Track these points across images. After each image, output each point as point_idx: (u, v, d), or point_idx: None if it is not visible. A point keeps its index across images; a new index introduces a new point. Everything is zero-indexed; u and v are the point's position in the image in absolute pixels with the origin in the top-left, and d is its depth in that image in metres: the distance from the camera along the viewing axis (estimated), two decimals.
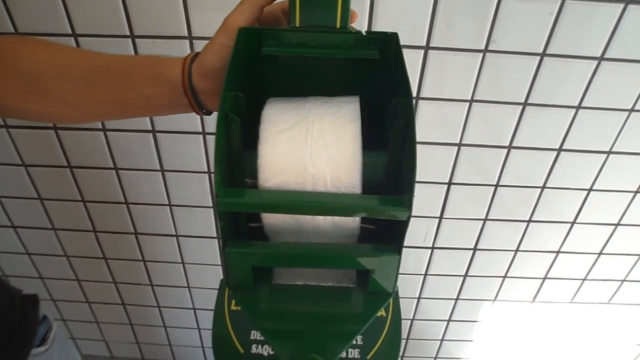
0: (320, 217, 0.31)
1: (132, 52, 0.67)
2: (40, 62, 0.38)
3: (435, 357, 1.17)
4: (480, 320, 1.06)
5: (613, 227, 0.88)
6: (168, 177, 0.82)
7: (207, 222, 0.88)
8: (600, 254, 0.92)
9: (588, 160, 0.78)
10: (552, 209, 0.84)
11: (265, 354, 0.36)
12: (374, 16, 0.63)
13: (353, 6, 0.35)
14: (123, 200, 0.86)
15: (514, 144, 0.76)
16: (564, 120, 0.73)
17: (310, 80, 0.37)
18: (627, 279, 0.97)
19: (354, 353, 0.36)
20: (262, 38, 0.35)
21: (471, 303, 1.02)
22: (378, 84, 0.37)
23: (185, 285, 1.02)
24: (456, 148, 0.76)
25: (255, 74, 0.37)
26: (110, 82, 0.38)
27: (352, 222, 0.32)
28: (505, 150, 0.77)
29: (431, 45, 0.65)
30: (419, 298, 1.01)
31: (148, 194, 0.85)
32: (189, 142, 0.77)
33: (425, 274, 0.97)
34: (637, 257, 0.93)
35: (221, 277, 0.34)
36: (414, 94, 0.70)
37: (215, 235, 0.90)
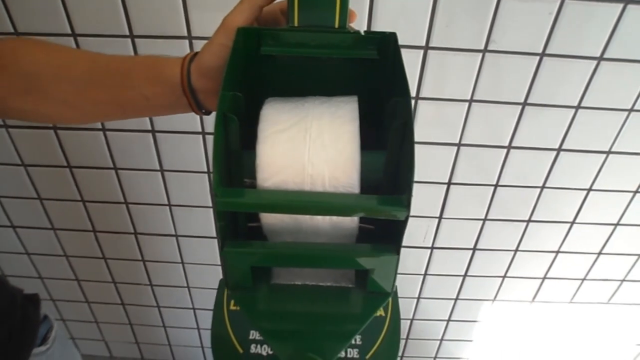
0: (319, 217, 0.31)
1: (132, 52, 0.67)
2: (39, 63, 0.38)
3: (435, 357, 1.17)
4: (479, 320, 1.06)
5: (612, 227, 0.88)
6: (168, 177, 0.82)
7: (206, 222, 0.88)
8: (599, 253, 0.92)
9: (587, 160, 0.78)
10: (552, 209, 0.84)
11: (264, 353, 0.36)
12: (374, 16, 0.63)
13: (352, 6, 0.35)
14: (123, 200, 0.86)
15: (513, 144, 0.76)
16: (563, 120, 0.73)
17: (308, 80, 0.37)
18: (626, 278, 0.97)
19: (353, 353, 0.36)
20: (260, 38, 0.35)
21: (471, 303, 1.02)
22: (376, 84, 0.37)
23: (185, 285, 1.02)
24: (456, 148, 0.76)
25: (254, 73, 0.37)
26: (109, 83, 0.38)
27: (350, 222, 0.32)
28: (505, 150, 0.77)
29: (431, 45, 0.65)
30: (418, 298, 1.01)
31: (148, 194, 0.85)
32: (189, 142, 0.77)
33: (425, 274, 0.97)
34: (636, 257, 0.93)
35: (221, 277, 0.34)
36: (414, 94, 0.70)
37: (215, 235, 0.90)
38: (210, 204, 0.85)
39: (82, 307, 1.09)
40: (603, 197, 0.82)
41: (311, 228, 0.32)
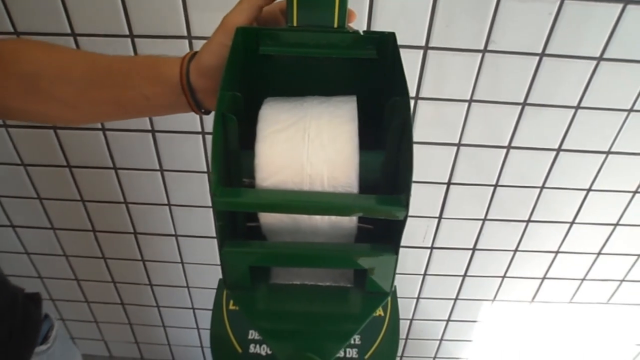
0: (318, 217, 0.31)
1: (132, 52, 0.67)
2: (40, 63, 0.38)
3: (434, 357, 1.17)
4: (479, 320, 1.06)
5: (612, 227, 0.88)
6: (167, 176, 0.82)
7: (206, 221, 0.88)
8: (599, 254, 0.92)
9: (587, 161, 0.78)
10: (551, 209, 0.84)
11: (263, 353, 0.36)
12: (373, 16, 0.63)
13: (352, 6, 0.35)
14: (122, 200, 0.86)
15: (513, 144, 0.76)
16: (563, 121, 0.73)
17: (307, 80, 0.37)
18: (625, 279, 0.97)
19: (352, 353, 0.36)
20: (259, 38, 0.35)
21: (470, 303, 1.02)
22: (375, 84, 0.37)
23: (185, 285, 1.02)
24: (455, 148, 0.76)
25: (253, 73, 0.37)
26: (109, 83, 0.38)
27: (349, 222, 0.32)
28: (505, 150, 0.77)
29: (430, 45, 0.65)
30: (418, 298, 1.02)
31: (147, 194, 0.85)
32: (189, 142, 0.77)
33: (425, 274, 0.97)
34: (635, 257, 0.93)
35: (220, 277, 0.34)
36: (414, 94, 0.70)
37: (214, 235, 0.90)
38: (210, 204, 0.85)
39: (81, 307, 1.09)
40: (602, 197, 0.82)
41: (310, 228, 0.32)
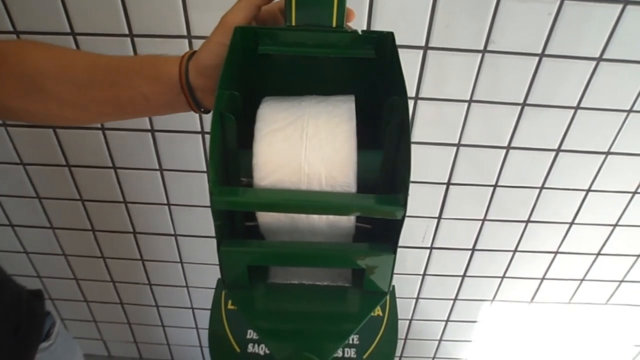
0: (315, 216, 0.31)
1: (132, 52, 0.67)
2: (42, 64, 0.38)
3: (434, 357, 1.17)
4: (478, 320, 1.06)
5: (611, 227, 0.88)
6: (167, 176, 0.82)
7: (205, 221, 0.88)
8: (598, 254, 0.92)
9: (586, 161, 0.78)
10: (551, 210, 0.84)
11: (261, 353, 0.36)
12: (373, 16, 0.63)
13: (352, 6, 0.35)
14: (121, 200, 0.86)
15: (512, 145, 0.76)
16: (562, 121, 0.73)
17: (306, 79, 0.37)
18: (625, 279, 0.97)
19: (351, 352, 0.36)
20: (258, 37, 0.35)
21: (470, 303, 1.02)
22: (374, 83, 0.37)
23: (184, 284, 1.02)
24: (455, 148, 0.76)
25: (252, 72, 0.37)
26: (109, 83, 0.38)
27: (347, 221, 0.32)
28: (504, 151, 0.77)
29: (430, 45, 0.65)
30: (417, 298, 1.01)
31: (147, 193, 0.85)
32: (188, 142, 0.77)
33: (424, 274, 0.97)
34: (635, 257, 0.93)
35: (219, 276, 0.34)
36: (413, 94, 0.70)
37: (214, 234, 0.90)
38: (209, 204, 0.85)
39: (80, 306, 1.09)
40: (602, 197, 0.82)
41: (308, 227, 0.32)
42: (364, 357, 0.36)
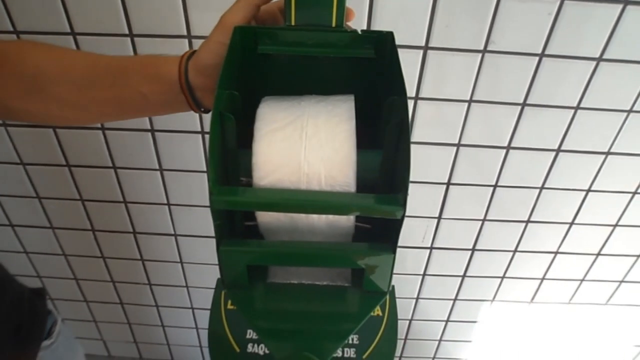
0: (315, 216, 0.31)
1: (132, 51, 0.67)
2: (42, 64, 0.38)
3: (434, 358, 1.17)
4: (478, 320, 1.06)
5: (611, 228, 0.88)
6: (167, 176, 0.82)
7: (205, 221, 0.88)
8: (598, 254, 0.92)
9: (586, 161, 0.78)
10: (551, 210, 0.84)
11: (261, 352, 0.36)
12: (373, 16, 0.63)
13: (352, 6, 0.35)
14: (121, 199, 0.86)
15: (512, 145, 0.76)
16: (562, 121, 0.73)
17: (305, 79, 0.37)
18: (625, 279, 0.97)
19: (350, 352, 0.36)
20: (257, 36, 0.35)
21: (469, 303, 1.02)
22: (373, 83, 0.37)
23: (184, 284, 1.02)
24: (455, 148, 0.76)
25: (251, 72, 0.37)
26: (109, 82, 0.38)
27: (346, 221, 0.32)
28: (504, 151, 0.77)
29: (430, 45, 0.65)
30: (417, 298, 1.01)
31: (146, 193, 0.85)
32: (188, 141, 0.77)
33: (424, 274, 0.97)
34: (635, 258, 0.93)
35: (219, 276, 0.35)
36: (413, 94, 0.70)
37: (214, 234, 0.90)
38: (209, 203, 0.85)
39: (80, 306, 1.09)
40: (602, 198, 0.82)
41: (307, 227, 0.32)
42: (364, 357, 0.36)
